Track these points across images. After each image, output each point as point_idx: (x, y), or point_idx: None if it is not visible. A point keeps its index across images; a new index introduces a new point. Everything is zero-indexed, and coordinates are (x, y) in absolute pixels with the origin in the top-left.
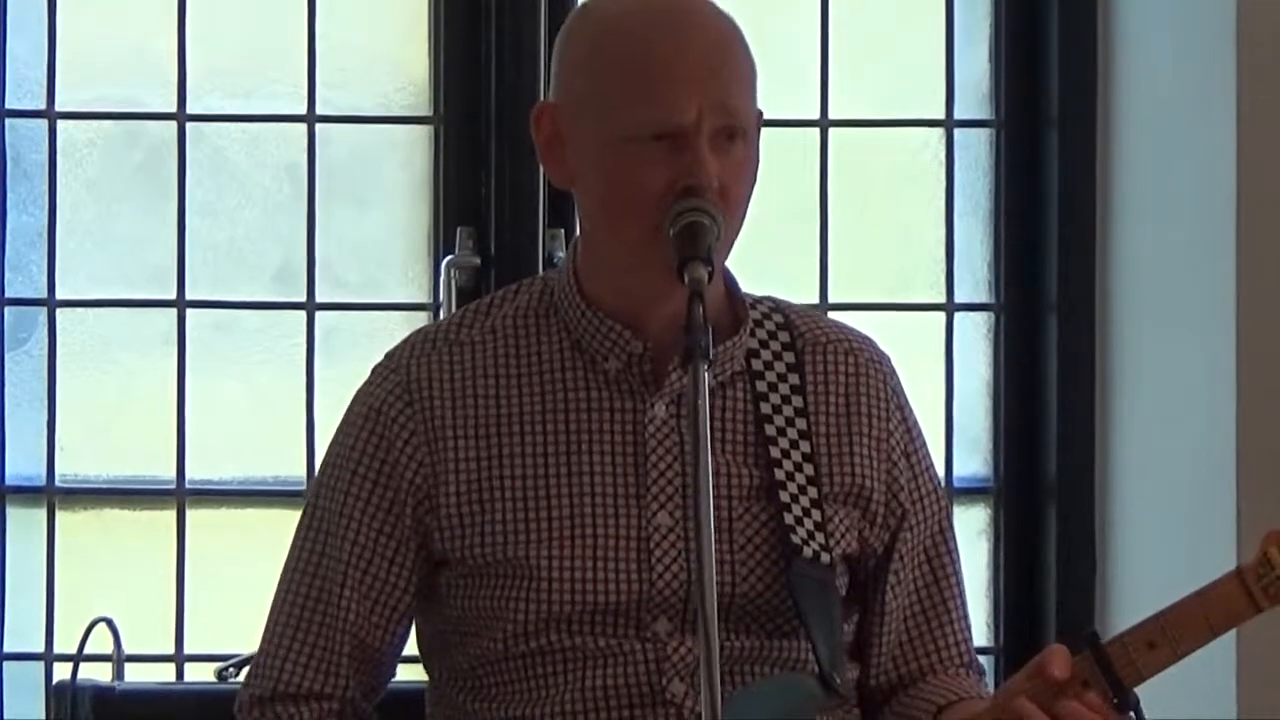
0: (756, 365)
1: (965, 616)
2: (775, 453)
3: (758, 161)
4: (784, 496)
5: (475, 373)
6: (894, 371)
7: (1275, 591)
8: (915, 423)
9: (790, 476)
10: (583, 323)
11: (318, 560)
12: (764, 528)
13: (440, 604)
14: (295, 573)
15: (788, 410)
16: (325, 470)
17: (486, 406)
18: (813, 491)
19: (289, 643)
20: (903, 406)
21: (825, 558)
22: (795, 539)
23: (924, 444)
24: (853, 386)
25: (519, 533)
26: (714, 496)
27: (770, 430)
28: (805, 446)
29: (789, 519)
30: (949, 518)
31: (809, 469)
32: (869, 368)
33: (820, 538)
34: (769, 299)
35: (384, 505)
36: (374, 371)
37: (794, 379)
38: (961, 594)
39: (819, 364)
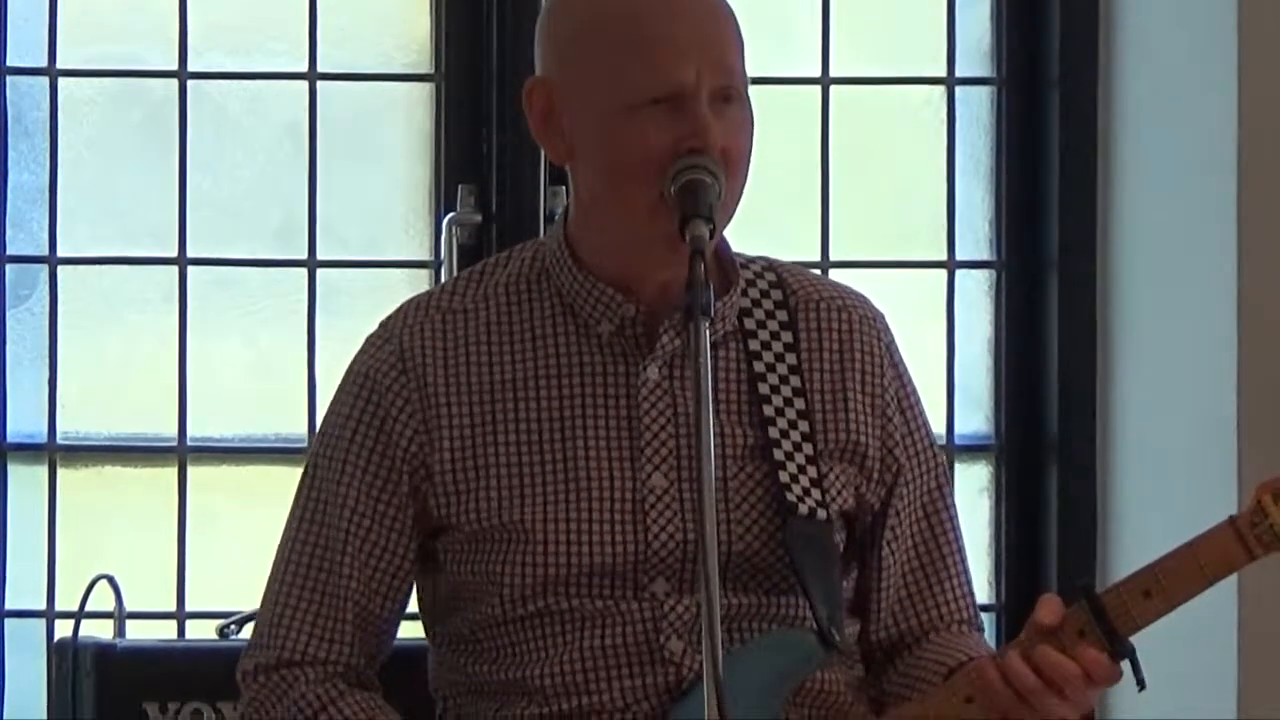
0: (749, 324)
1: (965, 572)
2: (769, 411)
3: (753, 124)
4: (778, 455)
5: (468, 340)
6: (888, 329)
7: (1269, 540)
8: (909, 379)
9: (784, 435)
10: (575, 287)
11: (318, 528)
12: (759, 486)
13: (439, 570)
14: (295, 540)
15: (781, 369)
16: (322, 439)
17: (479, 373)
18: (808, 449)
19: (292, 610)
20: (897, 363)
21: (821, 514)
22: (790, 497)
23: (918, 400)
24: (846, 344)
25: (514, 497)
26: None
27: (764, 389)
28: (799, 404)
29: (784, 477)
30: (946, 474)
31: (803, 426)
32: (862, 325)
33: (816, 494)
34: (762, 258)
35: (381, 473)
36: (367, 341)
37: (787, 337)
38: (961, 549)
39: (812, 322)
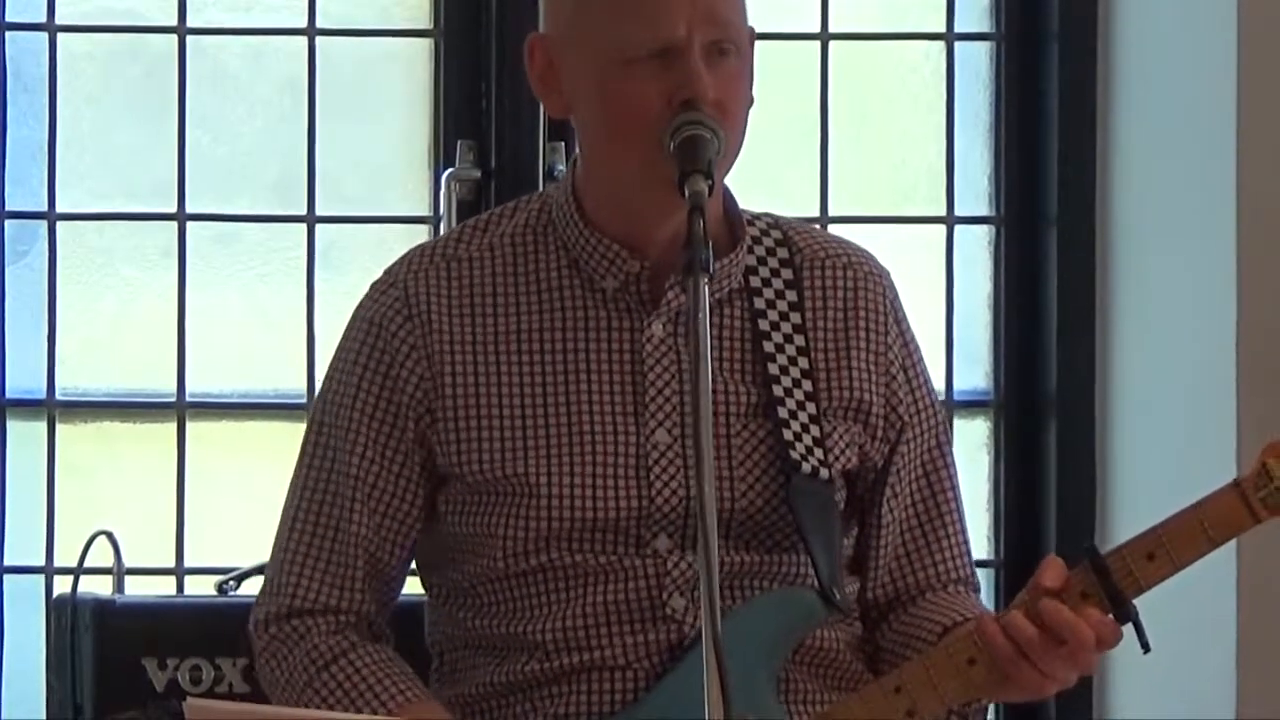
0: (754, 282)
1: (963, 532)
2: (773, 369)
3: (752, 78)
4: (782, 413)
5: (474, 288)
6: (893, 286)
7: (1274, 503)
8: (913, 337)
9: (788, 393)
10: (581, 242)
11: (326, 476)
12: (762, 444)
13: (439, 522)
14: (304, 489)
15: (785, 327)
16: (328, 387)
17: (484, 322)
18: (811, 407)
19: (302, 559)
20: (900, 321)
21: (824, 473)
22: (794, 455)
23: (922, 359)
24: (850, 301)
25: (517, 449)
26: (713, 414)
27: (768, 347)
28: (803, 363)
29: (788, 435)
30: (947, 434)
31: (807, 385)
32: (868, 281)
33: (819, 453)
34: (767, 215)
35: (388, 419)
36: (372, 287)
37: (791, 295)
38: (959, 509)
39: (817, 279)
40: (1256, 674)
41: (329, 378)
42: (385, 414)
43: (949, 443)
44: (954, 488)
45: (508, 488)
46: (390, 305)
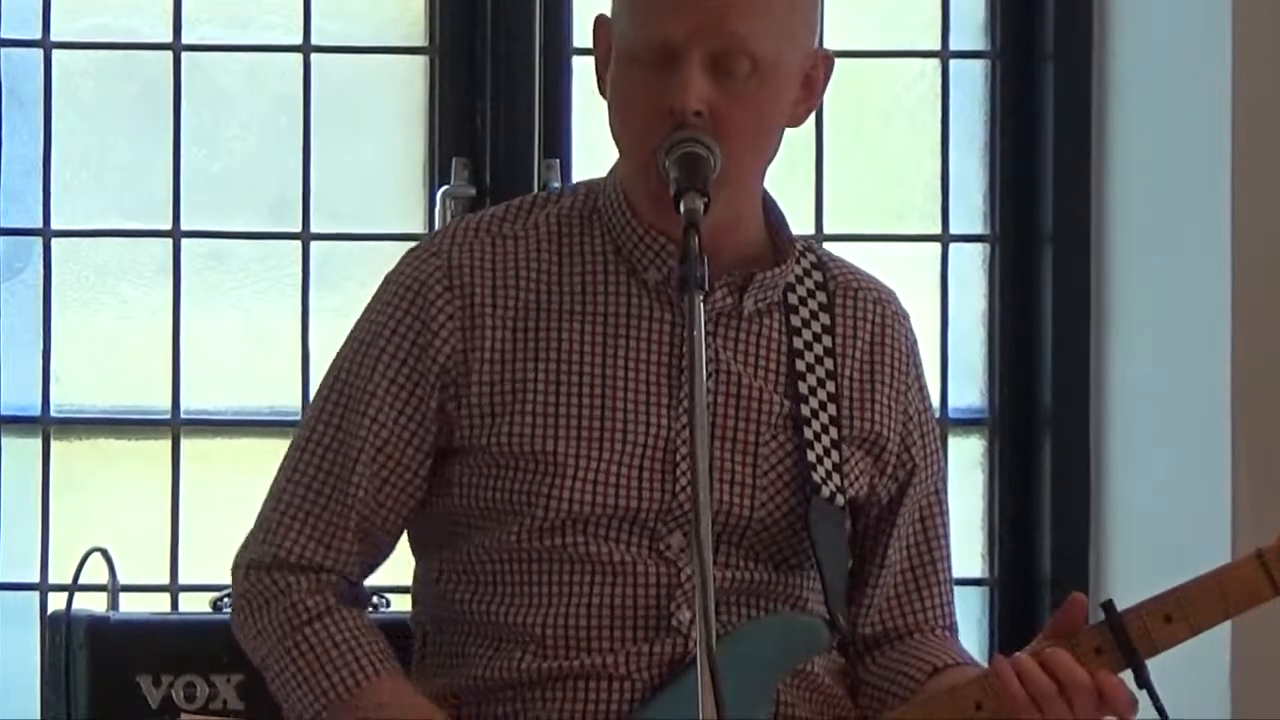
0: (792, 299)
1: (951, 579)
2: (804, 388)
3: (779, 99)
4: (808, 433)
5: (517, 265)
6: (912, 328)
7: None
8: (926, 385)
9: (815, 414)
10: (627, 231)
11: (334, 431)
12: (787, 458)
13: (447, 494)
14: (309, 443)
15: (818, 348)
16: (352, 344)
17: (525, 299)
18: (834, 432)
19: (294, 512)
20: (918, 365)
21: (840, 500)
22: (816, 477)
23: (931, 406)
24: (878, 335)
25: (548, 426)
26: (743, 420)
27: (800, 365)
28: (830, 387)
29: (811, 456)
30: (945, 481)
31: (832, 409)
32: (894, 321)
33: (837, 479)
34: (801, 239)
35: (410, 386)
36: (411, 253)
37: (825, 319)
38: (948, 558)
39: (849, 308)
40: (1251, 676)
41: (351, 337)
42: (409, 380)
43: (945, 491)
44: (946, 535)
45: (533, 463)
46: (431, 273)
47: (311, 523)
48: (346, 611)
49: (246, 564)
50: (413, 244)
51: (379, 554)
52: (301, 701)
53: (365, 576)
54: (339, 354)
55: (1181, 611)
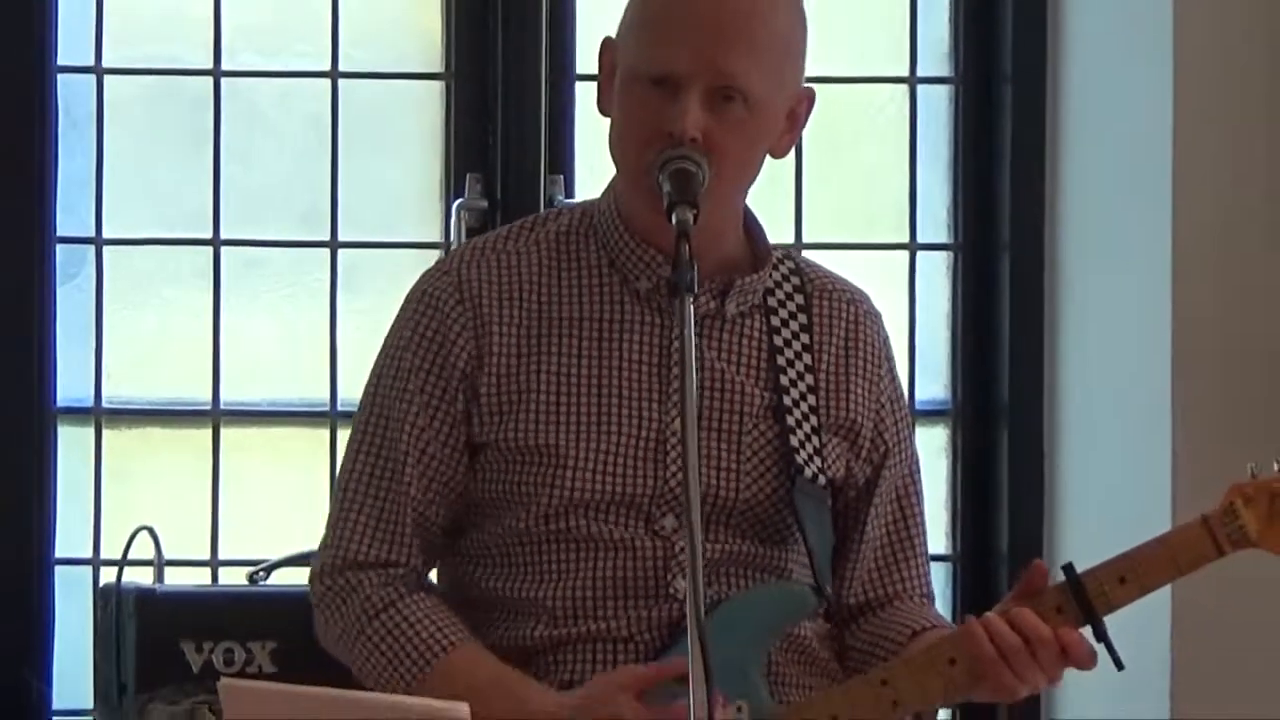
0: (771, 302)
1: (927, 553)
2: (784, 381)
3: (766, 130)
4: (790, 421)
5: (521, 277)
6: (884, 327)
7: (1238, 538)
8: (898, 376)
9: (796, 404)
10: (620, 244)
11: (379, 441)
12: (770, 444)
13: (471, 487)
14: (360, 453)
15: (796, 345)
16: (383, 358)
17: (528, 307)
18: (814, 420)
19: (357, 516)
20: (890, 359)
21: (822, 480)
22: (798, 459)
23: (904, 396)
24: (852, 332)
25: (551, 421)
26: (728, 412)
27: (780, 360)
28: (810, 379)
29: (794, 441)
30: (918, 465)
31: (811, 399)
32: (867, 319)
33: (819, 461)
34: (780, 248)
35: (438, 389)
36: (427, 273)
37: (803, 319)
38: (924, 532)
39: (825, 308)
40: (1190, 678)
41: (383, 353)
42: (436, 384)
43: (919, 473)
44: (921, 513)
45: (539, 455)
46: (444, 288)
47: (372, 524)
48: (417, 595)
49: (319, 571)
50: (430, 251)
51: (434, 547)
52: (389, 685)
53: (429, 568)
54: (373, 368)
55: (1134, 573)
